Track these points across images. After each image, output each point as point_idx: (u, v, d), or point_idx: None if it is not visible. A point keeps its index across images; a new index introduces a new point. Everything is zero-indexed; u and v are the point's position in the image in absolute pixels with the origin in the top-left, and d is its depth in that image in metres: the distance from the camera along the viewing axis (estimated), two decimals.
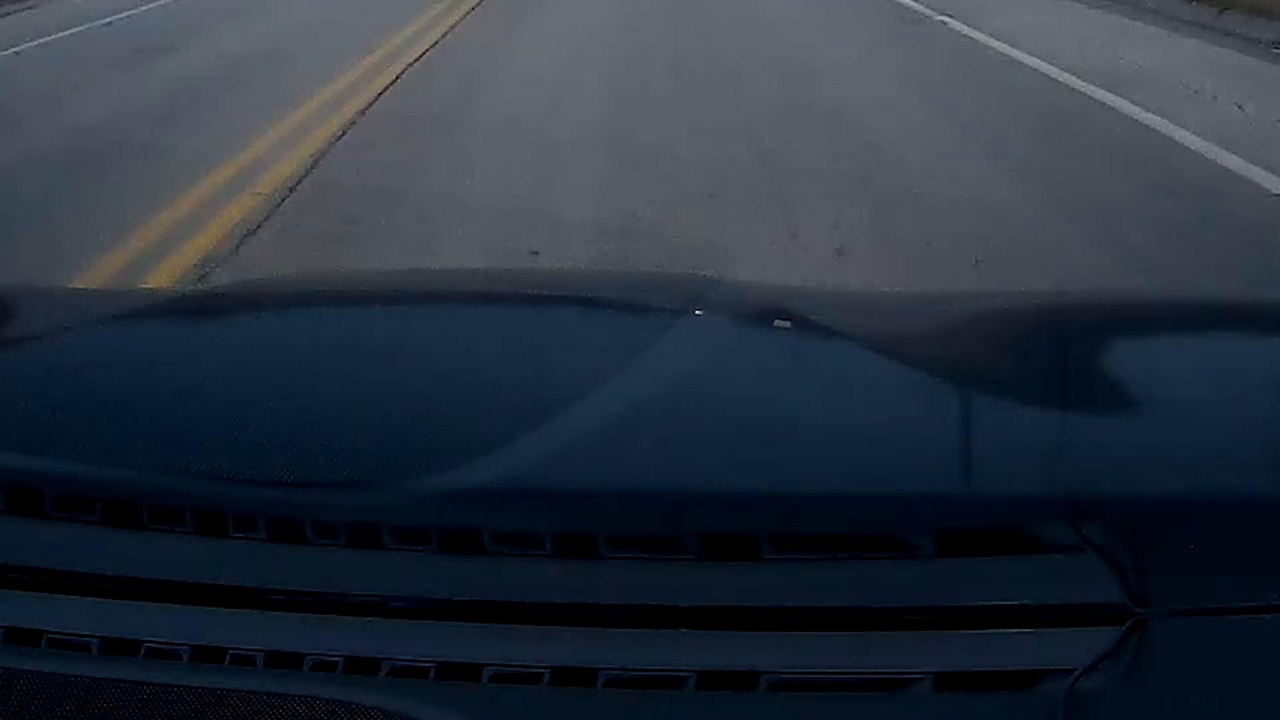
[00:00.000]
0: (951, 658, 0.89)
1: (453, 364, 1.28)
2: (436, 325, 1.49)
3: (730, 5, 11.75)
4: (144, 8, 12.18)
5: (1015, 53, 8.90)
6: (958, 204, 5.18)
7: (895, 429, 1.11)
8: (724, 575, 0.93)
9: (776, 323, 1.40)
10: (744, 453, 1.06)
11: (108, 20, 11.29)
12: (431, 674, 0.90)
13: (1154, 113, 6.71)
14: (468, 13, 11.45)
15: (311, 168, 5.91)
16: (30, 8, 12.39)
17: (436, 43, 9.81)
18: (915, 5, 11.50)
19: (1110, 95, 7.27)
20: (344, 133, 6.66)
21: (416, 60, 9.01)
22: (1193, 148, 6.02)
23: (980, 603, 0.91)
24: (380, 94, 7.77)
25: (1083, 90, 7.52)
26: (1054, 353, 1.34)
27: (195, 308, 1.64)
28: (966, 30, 10.06)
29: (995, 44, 9.31)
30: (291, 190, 5.50)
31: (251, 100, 7.52)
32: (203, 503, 0.98)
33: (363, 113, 7.19)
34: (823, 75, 8.33)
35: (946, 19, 10.61)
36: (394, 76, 8.37)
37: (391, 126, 6.91)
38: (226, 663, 0.91)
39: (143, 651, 0.93)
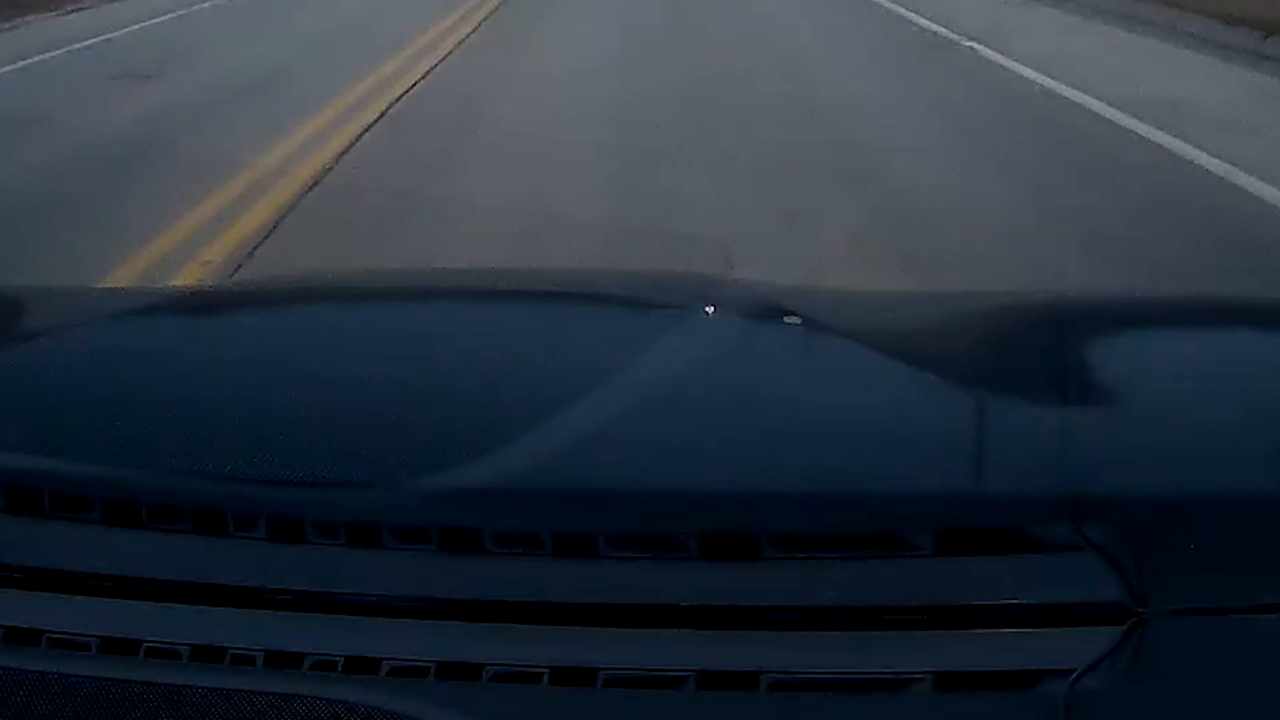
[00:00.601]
0: (951, 658, 0.89)
1: (452, 363, 1.28)
2: (437, 324, 1.49)
3: (745, 31, 11.13)
4: (129, 28, 11.92)
5: (1051, 83, 8.23)
6: (1000, 257, 4.61)
7: (896, 428, 1.11)
8: (724, 575, 0.93)
9: (785, 320, 1.40)
10: (744, 452, 1.06)
11: (88, 43, 10.96)
12: (431, 674, 0.90)
13: (1212, 154, 6.00)
14: (458, 43, 10.67)
15: (274, 226, 5.22)
16: (13, 28, 12.13)
17: (432, 69, 9.25)
18: (942, 30, 10.84)
19: (1161, 133, 6.57)
20: (315, 184, 5.92)
21: (410, 89, 8.45)
22: (1266, 198, 5.22)
23: (980, 602, 0.91)
24: (370, 124, 7.19)
25: (1131, 128, 6.83)
26: (1054, 353, 1.34)
27: (195, 307, 1.64)
28: (997, 58, 9.35)
29: (1029, 73, 8.65)
30: (250, 255, 4.88)
31: (223, 139, 6.85)
32: (203, 502, 0.98)
33: (345, 151, 6.56)
34: (848, 110, 7.70)
35: (975, 45, 9.90)
36: (393, 99, 7.99)
37: (384, 156, 6.49)
38: (226, 663, 0.91)
39: (143, 651, 0.93)
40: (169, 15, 12.90)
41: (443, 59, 9.74)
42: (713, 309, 1.43)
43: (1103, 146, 6.62)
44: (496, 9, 12.57)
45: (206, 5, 13.69)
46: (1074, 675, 0.86)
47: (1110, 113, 7.26)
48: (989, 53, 9.63)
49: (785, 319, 1.41)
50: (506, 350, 1.31)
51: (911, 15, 11.93)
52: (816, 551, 0.94)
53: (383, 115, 7.58)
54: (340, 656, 0.91)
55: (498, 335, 1.39)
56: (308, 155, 6.44)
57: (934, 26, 11.14)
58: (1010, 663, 0.88)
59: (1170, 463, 1.04)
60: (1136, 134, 6.74)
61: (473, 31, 11.39)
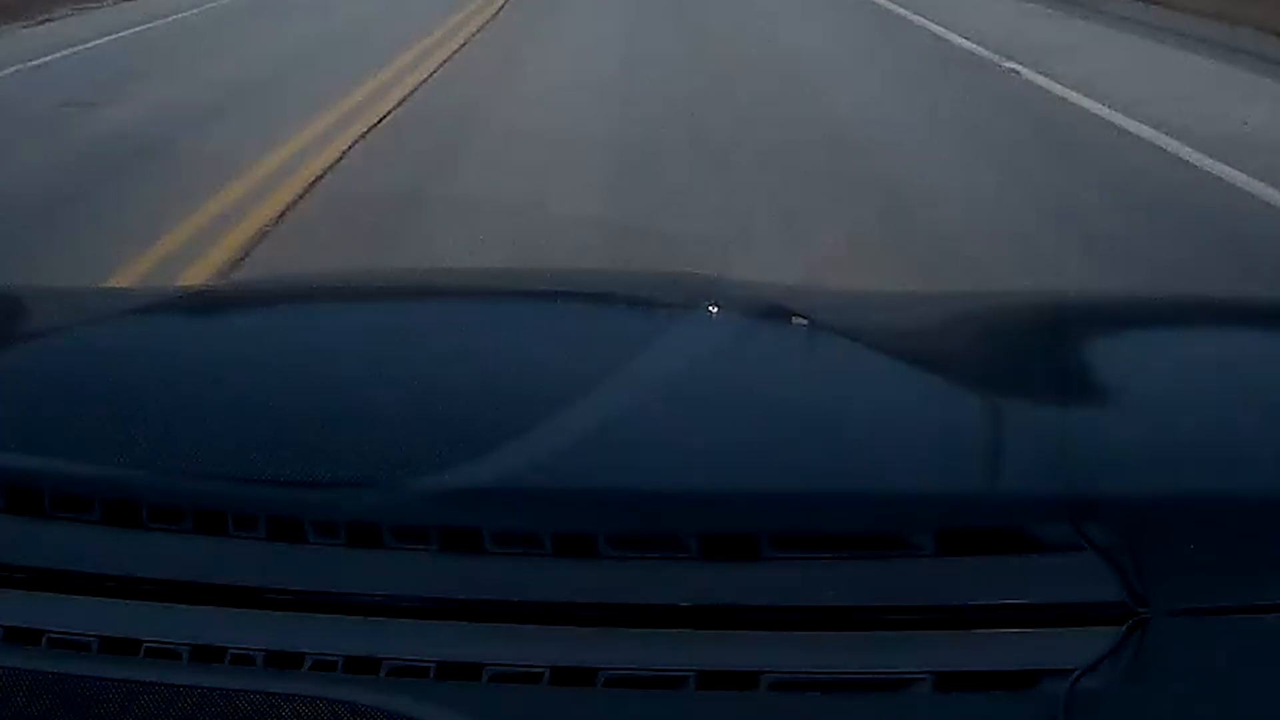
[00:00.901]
0: (951, 658, 0.89)
1: (452, 363, 1.28)
2: (437, 324, 1.49)
3: (766, 52, 9.89)
4: (97, 41, 10.79)
5: (1108, 113, 6.96)
6: None
7: (895, 428, 1.11)
8: (724, 574, 0.93)
9: (784, 319, 1.40)
10: (744, 452, 1.06)
11: (46, 59, 9.79)
12: (431, 674, 0.90)
13: None
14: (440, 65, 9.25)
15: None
16: None
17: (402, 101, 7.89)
18: (975, 48, 9.55)
19: (1257, 183, 5.35)
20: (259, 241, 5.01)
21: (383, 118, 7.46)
22: None
23: (980, 602, 0.91)
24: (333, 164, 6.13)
25: (1218, 174, 5.58)
26: (1055, 352, 1.34)
27: (195, 307, 1.64)
28: (1043, 82, 8.07)
29: (1084, 102, 7.34)
30: None
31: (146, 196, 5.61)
32: (203, 502, 0.98)
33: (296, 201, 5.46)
34: (876, 144, 6.55)
35: (1016, 67, 8.63)
36: (368, 126, 7.04)
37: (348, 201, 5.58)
38: (226, 662, 0.91)
39: (142, 651, 0.93)
40: (148, 25, 11.91)
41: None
42: (713, 308, 1.43)
43: (1188, 194, 5.40)
44: (479, 31, 11.48)
45: (191, 13, 12.81)
46: (1074, 675, 0.86)
47: (1184, 151, 5.99)
48: (1033, 75, 8.35)
49: (785, 319, 1.41)
50: (506, 350, 1.31)
51: (940, 29, 10.66)
52: (816, 551, 0.94)
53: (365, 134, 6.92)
54: (340, 656, 0.91)
55: (497, 335, 1.39)
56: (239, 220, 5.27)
57: (965, 43, 9.86)
58: (1010, 663, 0.88)
59: (1170, 463, 1.04)
60: (1224, 180, 5.52)
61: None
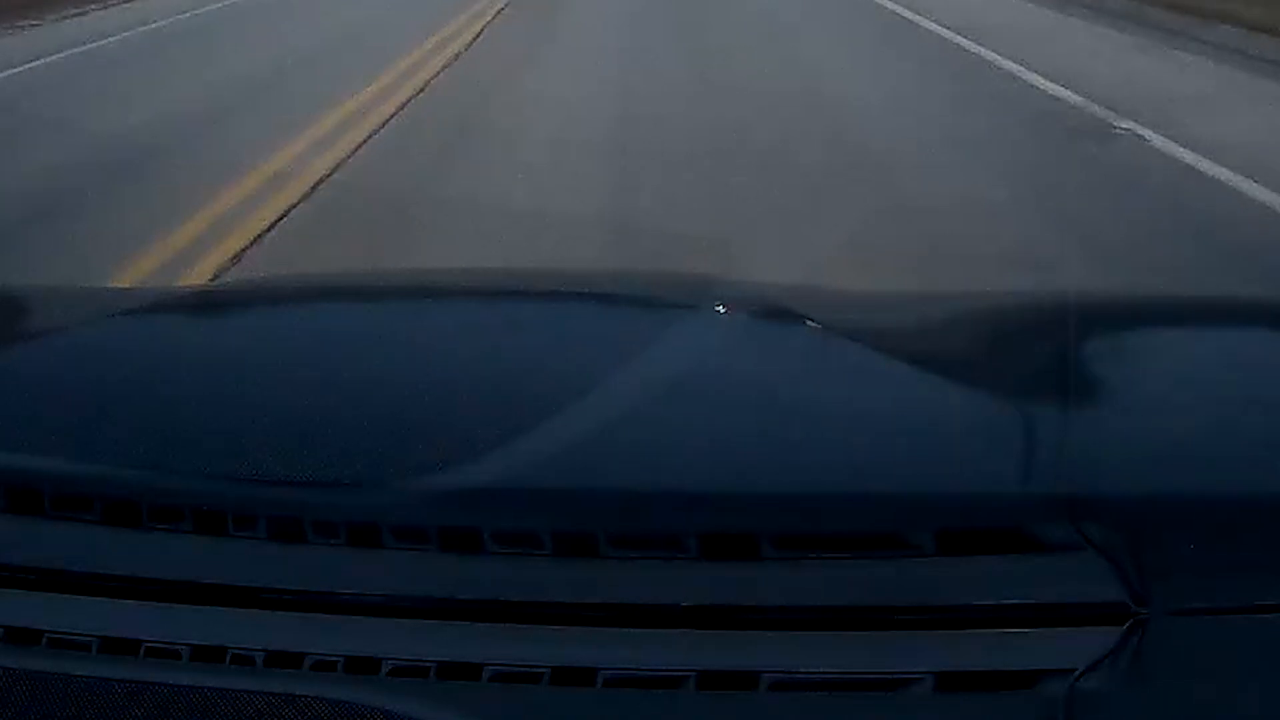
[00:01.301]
0: (951, 658, 0.89)
1: (452, 363, 1.28)
2: (437, 324, 1.49)
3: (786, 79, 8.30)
4: (19, 69, 9.43)
5: None
6: None
7: (895, 428, 1.11)
8: (724, 574, 0.93)
9: (785, 319, 1.40)
10: (744, 451, 1.06)
11: None
12: (431, 674, 0.90)
13: None
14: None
15: None
16: None
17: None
18: (1081, 101, 7.19)
19: None
20: None
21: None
22: None
23: (980, 602, 0.91)
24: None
25: None
26: (1055, 351, 1.34)
27: (196, 306, 1.64)
28: (1178, 152, 5.90)
29: (1249, 188, 5.23)
30: None
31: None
32: (203, 502, 0.98)
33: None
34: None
35: (1137, 130, 6.44)
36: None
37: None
38: (226, 663, 0.92)
39: (142, 651, 0.93)
40: (93, 44, 10.55)
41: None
42: (713, 308, 1.43)
43: None
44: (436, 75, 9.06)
45: (137, 31, 11.41)
46: (1074, 675, 0.86)
47: None
48: (1160, 140, 6.26)
49: (786, 319, 1.41)
50: (507, 349, 1.31)
51: (1018, 69, 8.41)
52: (816, 551, 0.94)
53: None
54: (340, 656, 0.91)
55: (499, 334, 1.39)
56: None
57: (1054, 88, 7.63)
58: (1010, 663, 0.88)
59: (1170, 462, 1.04)
60: None
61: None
